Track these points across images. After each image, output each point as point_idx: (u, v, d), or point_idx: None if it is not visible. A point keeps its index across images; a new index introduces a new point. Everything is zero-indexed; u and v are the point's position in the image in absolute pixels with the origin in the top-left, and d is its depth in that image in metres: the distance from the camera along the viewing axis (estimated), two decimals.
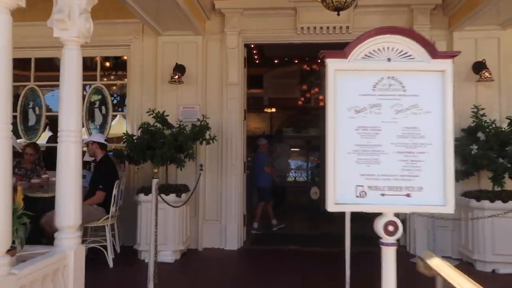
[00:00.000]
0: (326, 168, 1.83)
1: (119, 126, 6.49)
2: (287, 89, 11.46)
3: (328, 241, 5.55)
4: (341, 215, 3.68)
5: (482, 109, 4.69)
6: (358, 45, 1.87)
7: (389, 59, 1.83)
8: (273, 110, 12.73)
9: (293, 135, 11.75)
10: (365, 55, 1.85)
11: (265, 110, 12.70)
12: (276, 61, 11.17)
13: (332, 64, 1.82)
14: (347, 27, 5.17)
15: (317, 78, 8.71)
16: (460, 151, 4.55)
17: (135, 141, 4.61)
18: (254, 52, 10.30)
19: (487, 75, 4.85)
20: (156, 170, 4.34)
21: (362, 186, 1.81)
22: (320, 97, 9.00)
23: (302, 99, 9.36)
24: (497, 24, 5.00)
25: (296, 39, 5.40)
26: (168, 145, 4.51)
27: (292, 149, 10.62)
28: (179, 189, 4.74)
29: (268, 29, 5.37)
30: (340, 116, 1.81)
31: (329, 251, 5.02)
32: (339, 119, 1.81)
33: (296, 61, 11.12)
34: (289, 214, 7.84)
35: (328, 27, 5.19)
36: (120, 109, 6.82)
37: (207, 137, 4.87)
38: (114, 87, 7.33)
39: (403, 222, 1.92)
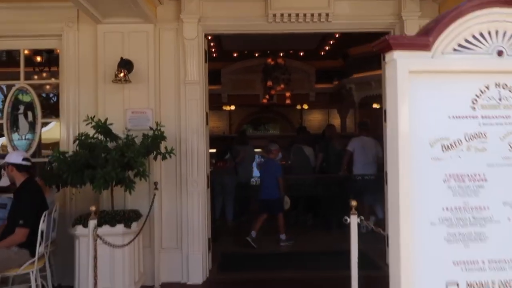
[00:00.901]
0: (391, 250, 1.02)
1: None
2: (248, 85, 10.63)
3: (326, 260, 4.96)
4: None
5: None
6: (447, 28, 1.05)
7: (499, 53, 1.05)
8: (232, 108, 11.85)
9: (256, 135, 10.97)
10: (458, 44, 1.05)
11: (224, 108, 11.79)
12: (235, 55, 10.29)
13: (404, 62, 1.02)
14: (327, 15, 4.40)
15: (283, 73, 7.94)
16: None
17: (68, 158, 3.56)
18: (211, 44, 9.36)
19: None
20: (93, 208, 3.29)
21: (456, 283, 1.02)
22: (287, 94, 8.24)
23: (267, 96, 8.56)
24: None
25: (267, 28, 4.56)
26: (112, 163, 3.53)
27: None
28: (129, 217, 3.77)
29: (233, 16, 4.49)
30: (416, 156, 1.01)
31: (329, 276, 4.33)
32: (415, 162, 1.01)
33: (257, 54, 10.32)
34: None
35: (305, 14, 4.39)
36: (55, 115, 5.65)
37: (163, 150, 3.93)
38: (48, 87, 6.14)
39: None
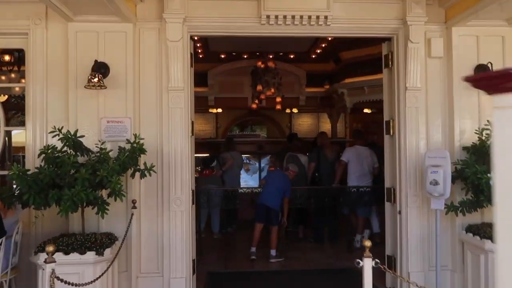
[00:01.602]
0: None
1: None
2: (236, 87, 10.19)
3: (319, 280, 4.47)
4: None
5: None
6: None
7: None
8: (220, 110, 11.40)
9: (244, 141, 10.53)
10: None
11: (210, 110, 11.34)
12: (222, 56, 9.85)
13: None
14: (325, 17, 4.00)
15: (273, 77, 7.53)
16: (471, 177, 3.60)
17: (28, 178, 3.07)
18: (198, 45, 8.90)
19: None
20: (50, 249, 2.77)
21: None
22: (277, 99, 7.83)
23: (256, 101, 8.13)
24: (502, 19, 4.13)
25: (260, 30, 4.14)
26: (82, 182, 3.06)
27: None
28: (102, 243, 3.30)
29: (222, 16, 4.05)
30: None
31: None
32: None
33: (246, 56, 9.89)
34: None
35: (301, 17, 3.98)
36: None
37: (142, 166, 3.48)
38: (17, 89, 5.60)
39: None
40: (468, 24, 4.07)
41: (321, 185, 6.59)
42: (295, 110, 11.68)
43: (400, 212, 4.26)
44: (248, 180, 9.69)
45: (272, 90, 7.51)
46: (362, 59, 8.99)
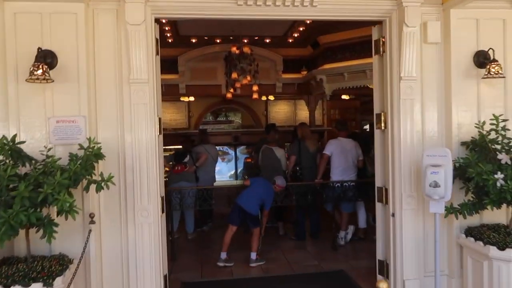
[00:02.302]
0: None
1: None
2: (208, 74, 9.57)
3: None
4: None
5: (504, 120, 3.41)
6: None
7: None
8: (192, 99, 10.76)
9: (219, 131, 9.99)
10: None
11: (182, 99, 10.68)
12: (193, 41, 9.18)
13: None
14: None
15: (249, 64, 6.97)
16: (476, 178, 3.23)
17: None
18: (166, 28, 8.21)
19: (497, 69, 3.55)
20: None
21: None
22: (254, 87, 7.30)
23: (231, 90, 7.56)
24: (504, 0, 3.73)
25: (237, 12, 3.58)
26: (21, 201, 2.48)
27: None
28: (50, 271, 2.74)
29: None
30: None
31: None
32: None
33: (219, 41, 9.26)
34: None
35: None
36: None
37: (98, 177, 2.91)
38: None
39: None
40: (467, 6, 3.65)
41: (303, 180, 6.17)
42: (271, 98, 11.19)
43: (393, 215, 3.88)
44: (223, 169, 9.18)
45: (248, 78, 6.96)
46: (341, 43, 8.54)
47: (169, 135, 8.05)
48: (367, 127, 12.74)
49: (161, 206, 3.68)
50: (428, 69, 3.85)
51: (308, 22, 7.94)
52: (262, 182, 5.41)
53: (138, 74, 3.39)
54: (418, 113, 3.83)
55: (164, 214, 3.87)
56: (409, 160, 3.78)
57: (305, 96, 10.23)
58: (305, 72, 9.79)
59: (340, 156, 5.81)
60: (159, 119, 3.70)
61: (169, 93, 9.60)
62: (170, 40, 8.94)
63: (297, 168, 6.25)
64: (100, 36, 3.43)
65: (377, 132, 4.16)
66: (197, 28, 8.68)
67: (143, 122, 3.47)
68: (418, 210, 3.79)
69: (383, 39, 3.99)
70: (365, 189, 5.89)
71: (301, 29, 8.44)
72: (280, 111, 11.91)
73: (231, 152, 9.60)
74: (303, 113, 11.89)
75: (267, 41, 9.25)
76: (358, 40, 8.25)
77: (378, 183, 4.15)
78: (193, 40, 9.10)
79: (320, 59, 9.15)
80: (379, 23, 4.06)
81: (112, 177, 2.88)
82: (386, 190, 3.99)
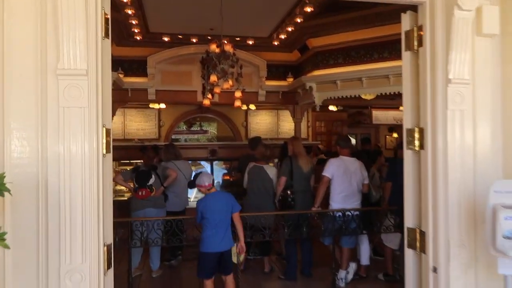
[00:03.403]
0: None
1: None
2: (182, 78, 8.40)
3: None
4: None
5: None
6: None
7: None
8: (163, 106, 9.53)
9: (191, 144, 8.79)
10: None
11: (151, 106, 9.44)
12: (166, 39, 8.01)
13: None
14: None
15: (232, 65, 5.84)
16: None
17: None
18: (133, 23, 7.02)
19: None
20: None
21: None
22: (237, 94, 6.16)
23: (209, 96, 6.39)
24: None
25: None
26: None
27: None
28: None
29: None
30: None
31: None
32: None
33: (195, 40, 8.13)
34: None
35: None
36: None
37: None
38: None
39: None
40: None
41: (295, 207, 5.05)
42: (252, 107, 10.11)
43: (435, 270, 2.80)
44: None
45: (230, 83, 5.82)
46: (334, 48, 7.60)
47: (133, 149, 6.81)
48: (353, 141, 11.83)
49: (107, 259, 2.47)
50: (481, 70, 2.84)
51: (298, 21, 6.96)
52: (217, 196, 4.07)
53: (70, 62, 2.20)
54: (470, 129, 2.80)
55: (112, 269, 2.65)
56: (458, 193, 2.73)
57: (290, 106, 9.19)
58: (291, 79, 8.78)
59: (342, 179, 4.74)
60: (107, 130, 2.50)
61: (136, 98, 8.39)
62: (138, 38, 7.76)
63: (288, 192, 5.13)
64: (11, 5, 2.23)
65: (408, 154, 3.09)
66: (170, 24, 7.56)
67: (79, 135, 2.26)
68: (472, 266, 2.73)
69: (420, 30, 2.95)
70: (369, 218, 4.87)
71: (289, 29, 7.44)
72: (261, 122, 10.84)
73: (206, 165, 8.40)
74: (287, 125, 10.87)
75: (250, 43, 8.20)
76: (353, 44, 7.35)
77: (408, 222, 3.07)
78: (165, 39, 7.95)
79: (309, 64, 8.17)
80: (412, 7, 3.04)
81: (5, 233, 1.66)
82: (423, 233, 2.93)
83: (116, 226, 4.26)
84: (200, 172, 3.98)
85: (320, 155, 7.96)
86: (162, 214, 5.21)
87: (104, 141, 2.44)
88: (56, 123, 2.24)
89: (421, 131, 2.93)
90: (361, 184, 4.87)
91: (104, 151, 2.45)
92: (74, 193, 2.26)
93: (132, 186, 5.29)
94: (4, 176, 1.89)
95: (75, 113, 2.25)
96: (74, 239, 2.25)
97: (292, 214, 4.72)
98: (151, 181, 5.12)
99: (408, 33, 3.09)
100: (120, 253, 4.52)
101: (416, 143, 2.98)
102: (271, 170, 5.38)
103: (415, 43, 3.00)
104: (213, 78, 5.50)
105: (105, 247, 2.48)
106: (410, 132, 3.06)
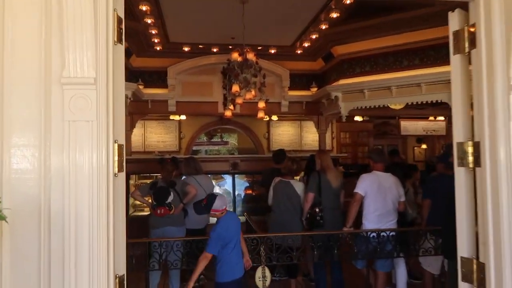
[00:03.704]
0: None
1: None
2: (203, 89, 8.17)
3: None
4: None
5: None
6: None
7: None
8: (183, 118, 9.32)
9: (211, 157, 8.53)
10: None
11: (172, 117, 9.25)
12: (186, 49, 7.82)
13: None
14: None
15: (255, 75, 5.55)
16: None
17: None
18: (153, 32, 6.85)
19: None
20: None
21: None
22: (260, 105, 5.87)
23: (231, 107, 6.11)
24: None
25: None
26: None
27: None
28: None
29: None
30: None
31: None
32: None
33: (215, 50, 7.91)
34: None
35: None
36: None
37: None
38: None
39: None
40: None
41: (325, 226, 4.67)
42: (274, 118, 9.79)
43: None
44: None
45: (253, 93, 5.53)
46: (361, 55, 7.23)
47: (154, 161, 6.57)
48: None
49: None
50: None
51: (323, 28, 6.63)
52: (230, 217, 3.69)
53: (77, 69, 1.93)
54: None
55: None
56: None
57: (315, 116, 8.83)
58: (315, 89, 8.43)
59: (377, 196, 4.34)
60: (119, 147, 2.22)
61: (156, 110, 8.20)
62: (158, 48, 7.59)
63: (316, 210, 4.76)
64: (12, 6, 1.99)
65: (460, 172, 2.68)
66: (191, 34, 7.36)
67: (86, 152, 1.98)
68: None
69: (472, 29, 2.58)
70: (406, 239, 4.45)
71: (313, 37, 7.12)
72: (284, 133, 10.50)
73: (228, 179, 8.10)
74: (310, 136, 10.50)
75: (272, 52, 7.92)
76: (381, 51, 6.97)
77: (462, 251, 2.65)
78: (186, 49, 7.75)
79: (335, 73, 7.82)
80: (461, 4, 2.67)
81: None
82: (481, 265, 2.51)
83: (133, 246, 3.98)
84: (211, 195, 3.65)
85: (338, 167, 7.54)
86: (182, 232, 4.92)
87: (116, 158, 2.15)
88: (61, 139, 1.97)
89: (476, 146, 2.54)
90: (397, 202, 4.45)
91: (116, 170, 2.15)
92: (80, 218, 1.97)
93: (150, 202, 5.03)
94: (0, 202, 1.63)
95: (81, 127, 1.98)
96: (80, 270, 1.95)
97: (322, 234, 4.33)
98: (170, 198, 4.84)
99: (458, 34, 2.70)
100: (137, 275, 4.24)
101: (470, 159, 2.59)
102: (298, 185, 5.03)
103: (466, 44, 2.61)
104: (235, 88, 5.22)
105: (117, 279, 2.17)
106: (461, 146, 2.66)
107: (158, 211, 4.78)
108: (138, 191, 5.11)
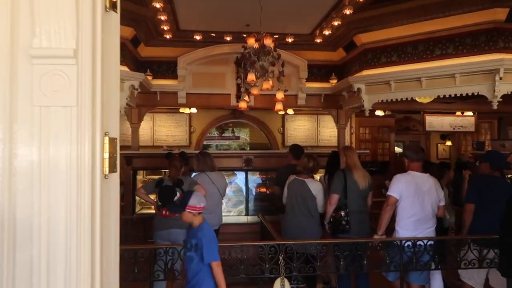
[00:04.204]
0: None
1: None
2: (215, 80, 7.68)
3: None
4: None
5: None
6: None
7: None
8: (194, 111, 8.85)
9: (222, 153, 8.05)
10: None
11: (182, 110, 8.78)
12: (198, 38, 7.32)
13: None
14: None
15: (272, 63, 5.02)
16: None
17: None
18: (162, 19, 6.36)
19: None
20: None
21: None
22: (279, 95, 5.34)
23: (246, 98, 5.59)
24: None
25: None
26: None
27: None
28: None
29: None
30: None
31: None
32: None
33: (229, 38, 7.40)
34: None
35: None
36: None
37: None
38: None
39: None
40: None
41: (351, 232, 4.16)
42: (290, 111, 9.26)
43: None
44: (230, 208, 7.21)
45: (271, 83, 5.00)
46: (387, 44, 6.64)
47: (162, 156, 6.11)
48: (399, 150, 10.73)
49: None
50: None
51: (347, 13, 6.07)
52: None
53: (50, 38, 1.45)
54: None
55: None
56: None
57: (334, 110, 8.27)
58: (334, 81, 7.87)
59: (413, 200, 3.80)
60: (111, 141, 1.72)
61: (165, 102, 7.73)
62: (168, 36, 7.10)
63: (341, 214, 4.24)
64: None
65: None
66: (202, 21, 6.85)
67: (63, 145, 1.49)
68: None
69: None
70: (445, 248, 3.91)
71: (335, 23, 6.55)
72: (300, 128, 9.97)
73: (241, 176, 7.61)
74: (328, 132, 9.95)
75: (289, 41, 7.37)
76: (410, 39, 6.37)
77: None
78: (197, 37, 7.24)
79: (357, 63, 7.24)
80: None
81: None
82: None
83: (136, 253, 3.53)
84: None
85: None
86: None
87: (106, 156, 1.67)
88: (30, 129, 1.49)
89: None
90: (436, 206, 3.91)
91: (107, 171, 1.67)
92: (54, 231, 1.50)
93: (156, 200, 4.57)
94: None
95: (57, 114, 1.49)
96: None
97: (349, 242, 3.81)
98: (176, 198, 4.37)
99: None
100: (140, 286, 3.79)
101: None
102: (314, 185, 4.52)
103: None
104: (251, 77, 4.70)
105: None
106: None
107: (163, 212, 4.31)
108: (143, 188, 4.65)
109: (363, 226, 4.27)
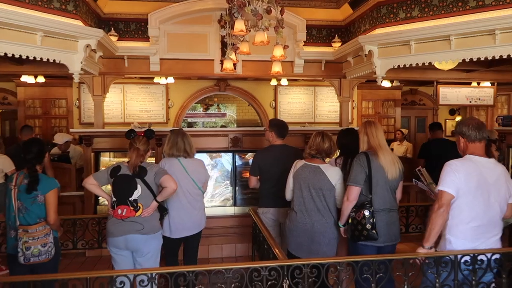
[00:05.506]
0: None
1: None
2: (195, 43, 6.32)
3: None
4: None
5: None
6: None
7: None
8: (170, 81, 7.49)
9: (206, 131, 6.77)
10: None
11: (156, 80, 7.41)
12: None
13: None
14: None
15: (268, 10, 3.69)
16: None
17: None
18: None
19: None
20: None
21: None
22: (277, 54, 4.04)
23: (233, 57, 4.25)
24: None
25: None
26: None
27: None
28: None
29: None
30: None
31: None
32: None
33: None
34: None
35: None
36: None
37: None
38: None
39: None
40: None
41: (379, 239, 3.00)
42: (283, 82, 7.98)
43: None
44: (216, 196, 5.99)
45: (265, 36, 3.69)
46: None
47: (121, 140, 4.82)
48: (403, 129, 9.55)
49: None
50: None
51: None
52: None
53: None
54: None
55: None
56: None
57: (336, 80, 7.02)
58: (338, 44, 6.59)
59: (475, 197, 2.62)
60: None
61: (135, 69, 6.36)
62: None
63: (365, 214, 3.06)
64: None
65: None
66: None
67: None
68: None
69: None
70: None
71: None
72: (294, 102, 8.70)
73: (226, 157, 6.35)
74: (326, 106, 8.74)
75: None
76: None
77: None
78: None
79: (368, 21, 5.96)
80: None
81: None
82: None
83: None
84: None
85: None
86: (155, 243, 3.23)
87: None
88: None
89: None
90: (505, 205, 2.74)
91: None
92: None
93: (109, 196, 3.32)
94: None
95: None
96: None
97: (382, 260, 2.63)
98: (136, 194, 3.12)
99: None
100: None
101: None
102: (333, 172, 3.32)
103: None
104: (239, 25, 3.39)
105: None
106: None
107: (119, 211, 3.08)
108: (94, 178, 3.37)
109: (392, 230, 3.11)
